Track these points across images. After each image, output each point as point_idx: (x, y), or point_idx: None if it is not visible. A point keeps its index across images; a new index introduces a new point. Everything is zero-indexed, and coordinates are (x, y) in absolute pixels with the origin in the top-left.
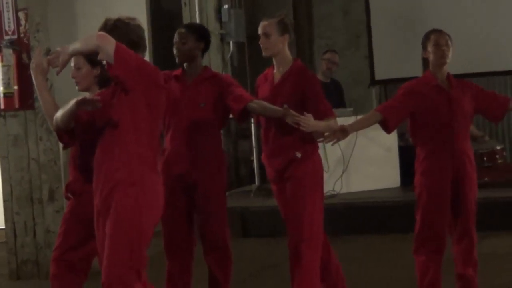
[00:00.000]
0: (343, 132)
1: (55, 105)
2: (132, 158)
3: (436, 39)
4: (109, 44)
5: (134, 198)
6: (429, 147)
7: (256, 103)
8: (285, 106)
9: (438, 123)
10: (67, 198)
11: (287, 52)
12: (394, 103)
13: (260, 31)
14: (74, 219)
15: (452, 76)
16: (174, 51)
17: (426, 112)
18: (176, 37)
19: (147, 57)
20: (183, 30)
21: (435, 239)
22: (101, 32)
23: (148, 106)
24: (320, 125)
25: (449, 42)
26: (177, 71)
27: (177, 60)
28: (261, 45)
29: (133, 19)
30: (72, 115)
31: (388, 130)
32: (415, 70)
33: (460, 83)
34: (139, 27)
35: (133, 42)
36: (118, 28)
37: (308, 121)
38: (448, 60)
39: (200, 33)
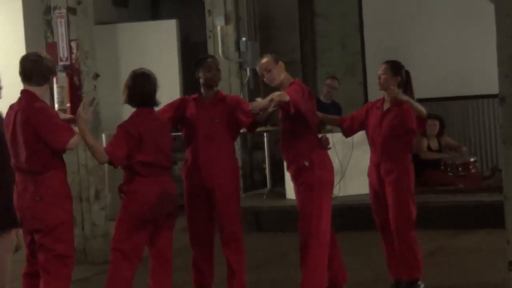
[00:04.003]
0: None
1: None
2: None
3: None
4: None
5: None
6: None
7: (260, 115)
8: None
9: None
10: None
11: (287, 75)
12: (352, 114)
13: (261, 71)
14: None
15: (396, 101)
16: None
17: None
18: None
19: (177, 82)
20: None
21: None
22: None
23: None
24: (261, 101)
25: (389, 71)
26: (195, 95)
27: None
28: (267, 80)
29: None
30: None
31: (343, 133)
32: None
33: (397, 105)
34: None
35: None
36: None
37: (254, 104)
38: (385, 87)
39: None
